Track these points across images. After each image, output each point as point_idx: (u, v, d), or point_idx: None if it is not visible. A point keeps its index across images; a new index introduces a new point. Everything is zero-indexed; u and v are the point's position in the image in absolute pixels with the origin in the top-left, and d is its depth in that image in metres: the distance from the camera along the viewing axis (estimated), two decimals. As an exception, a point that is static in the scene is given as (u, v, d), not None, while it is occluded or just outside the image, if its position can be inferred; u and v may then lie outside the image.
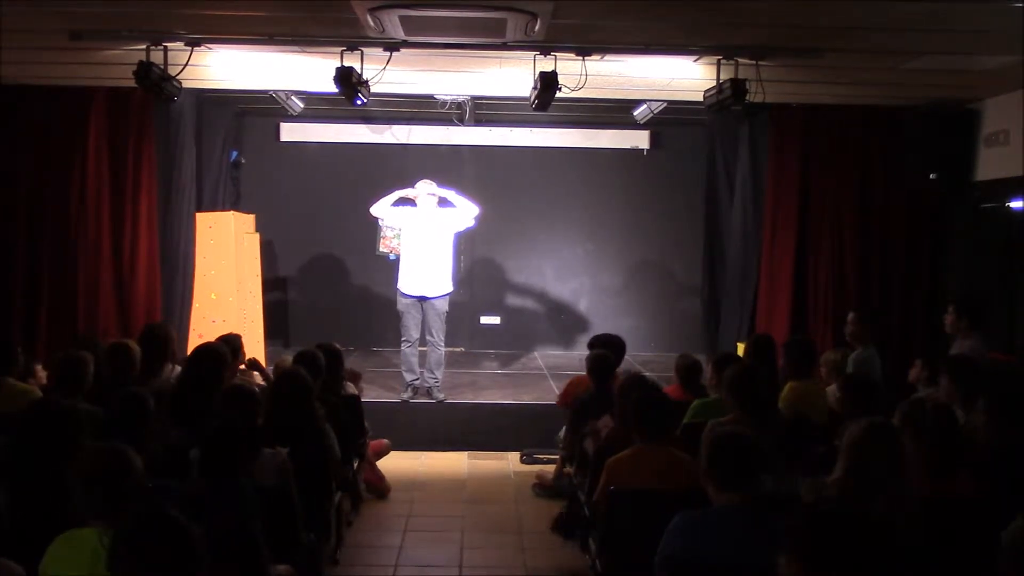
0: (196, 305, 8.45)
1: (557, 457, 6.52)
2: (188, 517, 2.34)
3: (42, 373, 5.60)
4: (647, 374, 6.01)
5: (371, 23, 5.33)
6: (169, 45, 6.03)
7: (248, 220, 9.56)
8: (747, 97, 6.19)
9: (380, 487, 6.46)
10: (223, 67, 6.79)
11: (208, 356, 4.99)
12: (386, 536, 5.67)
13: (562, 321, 10.98)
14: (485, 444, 7.69)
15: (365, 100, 6.44)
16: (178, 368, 5.42)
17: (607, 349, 5.99)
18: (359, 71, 6.08)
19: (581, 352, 6.77)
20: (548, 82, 6.04)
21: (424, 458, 7.38)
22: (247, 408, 4.17)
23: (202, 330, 8.21)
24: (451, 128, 10.30)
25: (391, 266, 10.90)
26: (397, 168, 10.78)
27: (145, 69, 6.01)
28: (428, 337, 8.05)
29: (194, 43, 5.98)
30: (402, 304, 8.13)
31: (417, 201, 8.30)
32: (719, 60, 6.17)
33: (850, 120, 8.02)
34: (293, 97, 8.75)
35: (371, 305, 10.93)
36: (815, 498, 3.33)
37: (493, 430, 7.74)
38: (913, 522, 3.10)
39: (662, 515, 3.15)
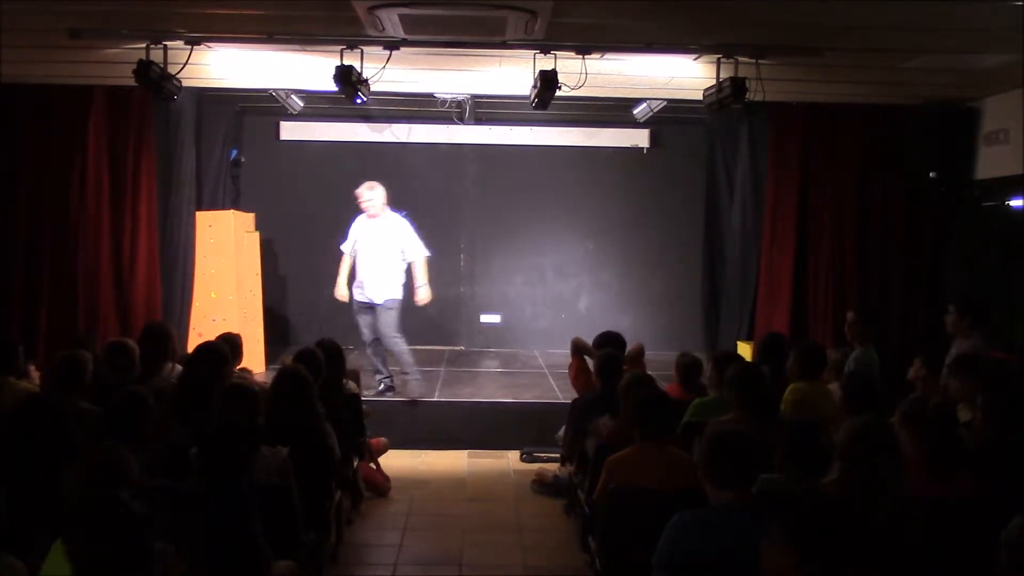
0: (196, 304, 8.45)
1: (557, 456, 6.53)
2: (187, 517, 2.35)
3: (35, 373, 5.59)
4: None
5: (371, 21, 5.32)
6: (169, 44, 6.02)
7: (248, 219, 9.56)
8: (747, 96, 6.19)
9: (380, 486, 6.46)
10: (223, 66, 6.79)
11: (209, 355, 4.99)
12: (386, 534, 5.67)
13: (562, 320, 10.97)
14: (485, 443, 7.69)
15: (365, 99, 6.44)
16: (179, 367, 5.42)
17: (612, 347, 5.99)
18: (359, 70, 6.07)
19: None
20: (548, 81, 6.04)
21: (424, 456, 7.38)
22: (248, 407, 4.17)
23: (202, 329, 8.22)
24: (451, 127, 10.29)
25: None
26: (397, 167, 10.79)
27: (145, 68, 6.01)
28: (383, 338, 7.99)
29: (194, 42, 5.98)
30: (354, 308, 8.15)
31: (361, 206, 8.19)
32: (719, 59, 6.17)
33: (850, 119, 8.02)
34: (293, 96, 8.75)
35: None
36: (812, 495, 3.33)
37: (493, 429, 7.74)
38: (913, 522, 3.10)
39: (662, 515, 3.14)
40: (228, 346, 5.65)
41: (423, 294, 8.13)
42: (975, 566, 2.94)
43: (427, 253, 8.19)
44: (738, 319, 8.84)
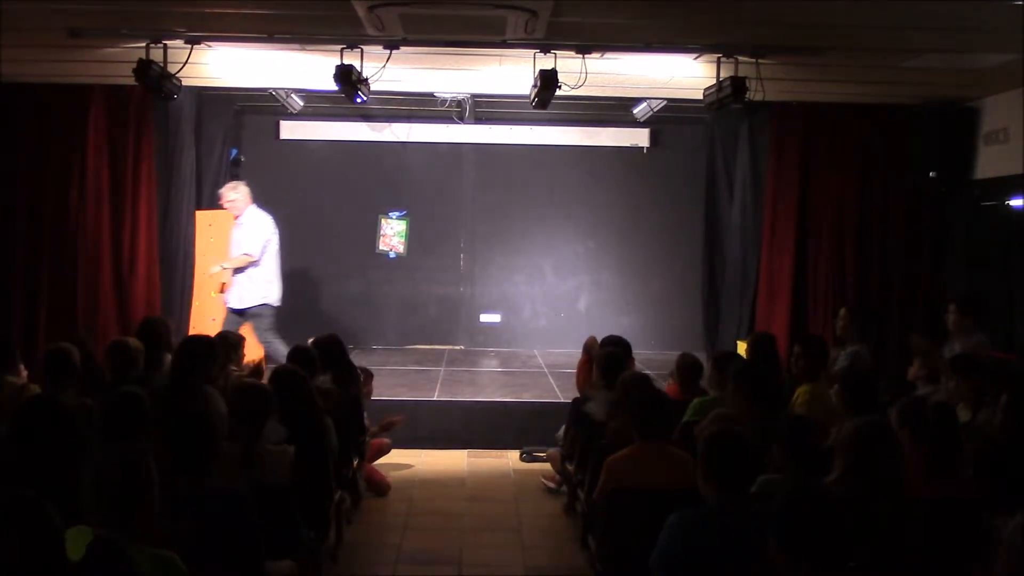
0: (196, 303, 8.45)
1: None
2: (187, 516, 2.34)
3: (24, 372, 5.57)
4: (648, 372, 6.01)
5: (371, 21, 5.32)
6: (169, 43, 6.03)
7: (248, 218, 9.55)
8: (747, 95, 6.20)
9: (380, 485, 6.46)
10: (223, 65, 6.79)
11: (194, 347, 4.96)
12: (386, 534, 5.67)
13: (562, 319, 10.97)
14: (485, 442, 7.68)
15: (365, 98, 6.44)
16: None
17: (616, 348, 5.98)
18: (359, 69, 6.08)
19: (581, 351, 6.78)
20: (548, 80, 6.04)
21: (424, 456, 7.37)
22: (258, 407, 4.14)
23: (202, 328, 8.20)
24: (451, 126, 10.29)
25: (391, 264, 10.95)
26: (397, 166, 10.80)
27: (145, 67, 6.01)
28: (260, 344, 7.81)
29: (194, 41, 5.98)
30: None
31: None
32: (719, 58, 6.17)
33: (850, 118, 8.02)
34: (293, 95, 8.75)
35: (370, 303, 10.93)
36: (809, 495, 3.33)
37: (493, 428, 7.74)
38: (913, 522, 3.10)
39: (662, 515, 3.15)
40: (227, 345, 5.66)
41: (215, 269, 7.93)
42: (976, 566, 2.94)
43: (254, 256, 7.83)
44: (738, 319, 8.84)
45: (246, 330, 7.62)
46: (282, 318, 10.49)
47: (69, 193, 7.68)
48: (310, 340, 6.65)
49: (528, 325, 11.08)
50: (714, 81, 6.42)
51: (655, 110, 9.06)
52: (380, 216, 10.93)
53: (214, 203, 9.34)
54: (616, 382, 5.09)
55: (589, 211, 10.88)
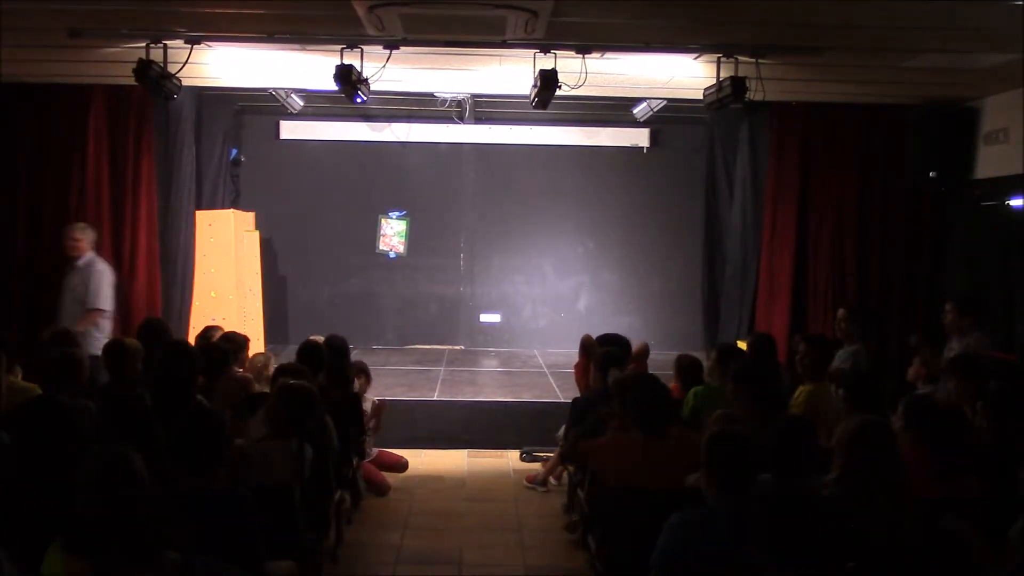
0: (196, 303, 8.45)
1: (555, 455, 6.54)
2: (189, 516, 2.34)
3: (19, 372, 5.57)
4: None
5: (371, 21, 5.32)
6: (169, 43, 6.02)
7: (248, 218, 9.57)
8: (747, 95, 6.19)
9: (380, 485, 6.47)
10: (223, 65, 6.79)
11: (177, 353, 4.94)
12: (386, 534, 5.67)
13: (562, 319, 10.98)
14: (485, 442, 7.69)
15: (365, 98, 6.44)
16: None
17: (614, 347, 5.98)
18: (359, 69, 6.07)
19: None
20: (548, 80, 6.04)
21: (424, 456, 7.38)
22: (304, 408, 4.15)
23: (202, 328, 8.21)
24: (451, 126, 10.30)
25: (390, 264, 10.96)
26: (397, 166, 10.81)
27: (145, 67, 6.00)
28: None
29: (194, 41, 5.97)
30: None
31: None
32: (719, 58, 6.17)
33: (850, 118, 8.02)
34: (293, 95, 8.75)
35: (370, 303, 10.94)
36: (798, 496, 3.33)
37: (493, 428, 7.74)
38: (913, 522, 3.10)
39: (662, 515, 3.15)
40: (231, 346, 5.66)
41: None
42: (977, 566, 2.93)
43: (105, 308, 6.88)
44: (738, 318, 8.84)
45: None
46: (283, 318, 10.54)
47: (69, 193, 7.68)
48: (312, 337, 6.69)
49: (528, 325, 11.08)
50: (714, 81, 6.41)
51: (655, 110, 9.06)
52: (380, 216, 10.94)
53: (214, 203, 9.36)
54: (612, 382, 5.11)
55: (589, 211, 10.89)
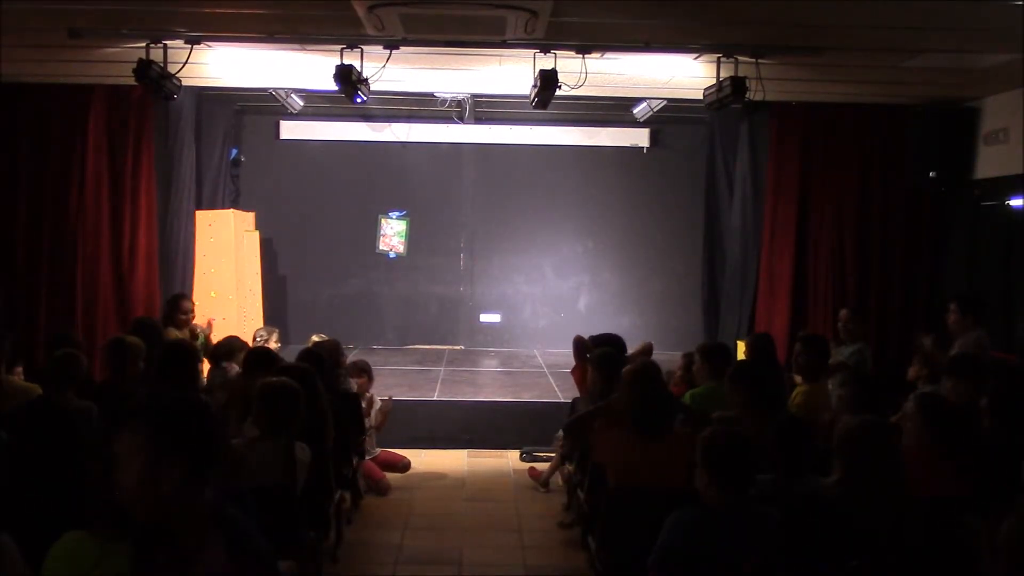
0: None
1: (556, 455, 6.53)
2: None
3: (19, 372, 5.58)
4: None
5: (371, 21, 5.32)
6: (169, 43, 6.02)
7: (248, 218, 9.58)
8: (747, 95, 6.20)
9: (380, 485, 6.47)
10: (223, 65, 6.79)
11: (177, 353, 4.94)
12: (386, 534, 5.67)
13: (562, 319, 10.98)
14: (485, 442, 7.69)
15: (365, 98, 6.44)
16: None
17: (610, 347, 5.96)
18: (359, 69, 6.07)
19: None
20: (548, 80, 6.04)
21: (424, 456, 7.38)
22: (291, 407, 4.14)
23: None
24: (451, 126, 10.30)
25: (390, 264, 10.96)
26: (397, 166, 10.81)
27: (145, 67, 6.00)
28: None
29: (194, 41, 5.97)
30: None
31: None
32: (719, 58, 6.17)
33: (850, 118, 8.02)
34: (293, 95, 8.75)
35: (370, 303, 10.94)
36: (815, 496, 3.33)
37: (493, 428, 7.74)
38: (913, 522, 3.10)
39: (662, 515, 3.15)
40: (238, 342, 5.69)
41: None
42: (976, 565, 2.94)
43: None
44: (738, 318, 8.84)
45: None
46: (283, 318, 10.54)
47: (69, 193, 7.68)
48: (313, 337, 6.73)
49: (528, 325, 11.09)
50: (714, 81, 6.41)
51: (655, 110, 9.06)
52: (380, 216, 10.94)
53: (214, 203, 9.37)
54: (613, 380, 5.09)
55: (589, 211, 10.89)
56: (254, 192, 10.52)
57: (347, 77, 5.99)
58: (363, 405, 6.31)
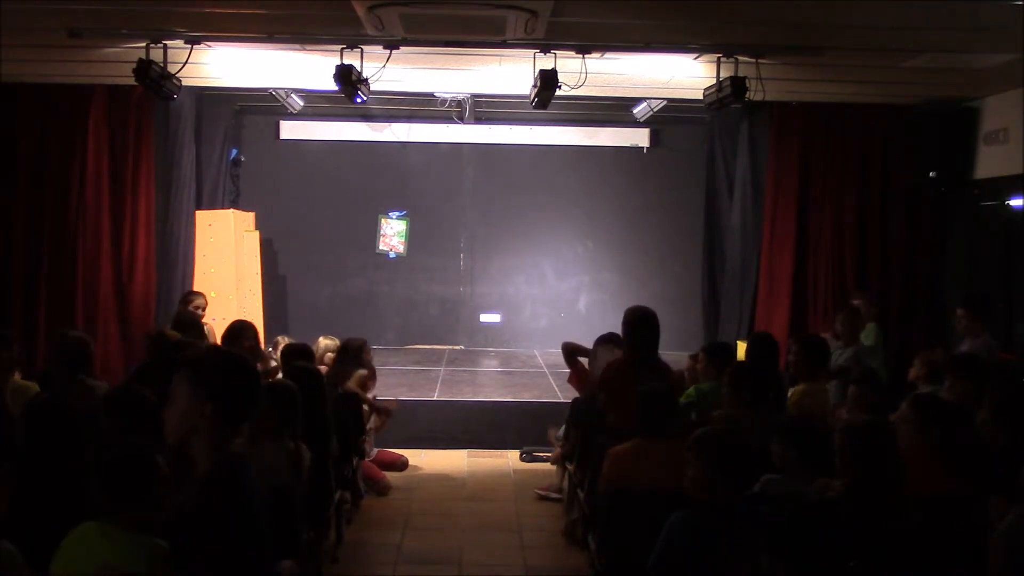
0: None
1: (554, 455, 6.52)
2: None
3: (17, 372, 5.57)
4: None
5: (371, 21, 5.32)
6: (169, 43, 6.02)
7: (248, 218, 9.57)
8: (747, 95, 6.20)
9: (380, 485, 6.47)
10: (223, 65, 6.79)
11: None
12: (386, 534, 5.67)
13: (562, 319, 10.98)
14: (485, 442, 7.69)
15: (365, 98, 6.44)
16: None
17: (613, 343, 5.94)
18: (359, 69, 6.07)
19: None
20: (548, 80, 6.04)
21: (424, 456, 7.38)
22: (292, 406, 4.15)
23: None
24: (451, 126, 10.30)
25: (390, 264, 10.96)
26: (397, 166, 10.81)
27: (144, 67, 6.01)
28: None
29: (194, 41, 5.97)
30: None
31: None
32: (719, 58, 6.17)
33: (850, 118, 8.03)
34: (293, 95, 8.74)
35: (370, 303, 10.94)
36: (820, 498, 3.32)
37: (493, 428, 7.74)
38: (913, 522, 3.10)
39: (662, 515, 3.15)
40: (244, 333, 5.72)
41: None
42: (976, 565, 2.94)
43: None
44: (738, 319, 8.84)
45: None
46: (283, 318, 10.54)
47: (69, 193, 7.68)
48: (321, 339, 6.74)
49: (528, 325, 11.08)
50: (714, 81, 6.42)
51: (655, 110, 9.06)
52: (380, 216, 10.94)
53: (214, 203, 9.37)
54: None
55: (589, 211, 10.89)
56: (254, 192, 10.52)
57: (347, 77, 6.00)
58: (364, 408, 6.28)
